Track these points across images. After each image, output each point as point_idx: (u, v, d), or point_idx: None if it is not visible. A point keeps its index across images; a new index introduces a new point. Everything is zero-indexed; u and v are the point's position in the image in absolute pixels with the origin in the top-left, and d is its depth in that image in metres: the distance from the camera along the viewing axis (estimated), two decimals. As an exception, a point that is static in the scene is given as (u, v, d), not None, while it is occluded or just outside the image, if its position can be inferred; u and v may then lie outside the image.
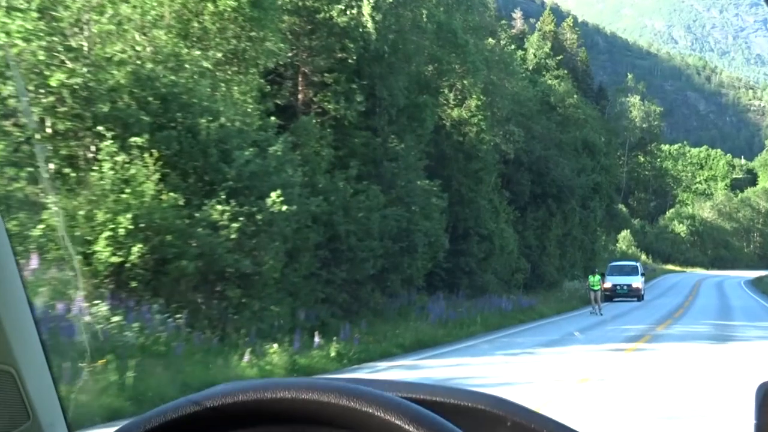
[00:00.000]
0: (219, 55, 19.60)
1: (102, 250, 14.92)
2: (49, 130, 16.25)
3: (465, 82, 31.95)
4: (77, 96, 16.25)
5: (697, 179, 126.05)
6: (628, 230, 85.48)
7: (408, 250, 25.07)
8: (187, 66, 18.37)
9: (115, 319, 12.97)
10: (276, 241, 18.00)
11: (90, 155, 16.61)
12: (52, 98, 15.93)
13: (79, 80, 16.11)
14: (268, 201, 16.96)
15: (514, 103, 38.84)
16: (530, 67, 55.19)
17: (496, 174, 36.03)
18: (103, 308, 12.99)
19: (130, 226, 15.09)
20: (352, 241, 22.18)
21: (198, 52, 18.93)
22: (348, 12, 24.09)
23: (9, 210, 13.24)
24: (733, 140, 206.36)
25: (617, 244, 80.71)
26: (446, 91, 32.54)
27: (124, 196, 15.51)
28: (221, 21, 19.98)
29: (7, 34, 15.02)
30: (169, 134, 16.73)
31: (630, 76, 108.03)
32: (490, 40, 39.15)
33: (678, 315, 31.71)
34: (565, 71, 63.36)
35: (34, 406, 1.55)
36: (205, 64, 19.05)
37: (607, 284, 41.14)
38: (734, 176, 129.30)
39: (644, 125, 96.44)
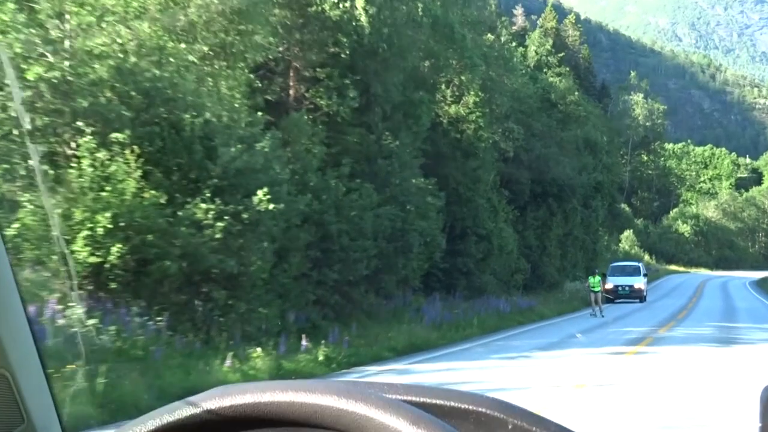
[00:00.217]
0: (205, 48, 19.17)
1: (80, 249, 14.51)
2: (28, 126, 15.85)
3: (462, 78, 31.54)
4: (56, 90, 15.85)
5: (702, 178, 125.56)
6: (631, 230, 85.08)
7: (403, 251, 24.67)
8: (171, 60, 17.95)
9: (91, 321, 12.56)
10: (263, 241, 17.59)
11: (69, 152, 16.22)
12: (29, 93, 15.52)
13: (57, 74, 15.70)
14: (255, 199, 16.56)
15: (514, 99, 38.43)
16: (531, 64, 54.78)
17: (494, 172, 35.62)
18: (78, 311, 12.56)
19: (109, 225, 14.70)
20: (344, 241, 21.77)
21: (183, 46, 18.50)
22: (341, 5, 23.67)
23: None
24: (738, 139, 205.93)
25: (620, 244, 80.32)
26: (443, 87, 32.13)
27: (104, 194, 15.11)
28: (208, 13, 19.55)
29: (-18, 25, 14.62)
30: (151, 130, 16.34)
31: (633, 73, 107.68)
32: (489, 35, 38.72)
33: (681, 317, 31.29)
34: (567, 69, 62.92)
35: (29, 408, 1.57)
36: (191, 57, 18.65)
37: (609, 285, 40.75)
38: (739, 175, 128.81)
39: (647, 123, 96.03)
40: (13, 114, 15.66)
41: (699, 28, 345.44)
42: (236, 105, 18.95)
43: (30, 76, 15.28)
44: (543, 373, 14.17)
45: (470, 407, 1.15)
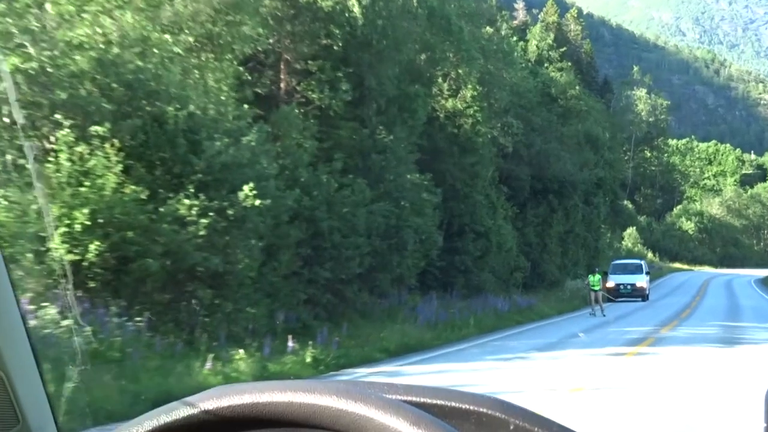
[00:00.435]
0: (191, 39, 18.77)
1: (57, 247, 14.09)
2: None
3: (460, 71, 31.10)
4: (34, 82, 15.44)
5: (706, 175, 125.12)
6: (634, 227, 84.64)
7: (397, 248, 24.27)
8: (156, 51, 17.54)
9: (65, 322, 12.13)
10: (250, 238, 17.21)
11: (48, 146, 15.82)
12: (4, 84, 15.10)
13: (35, 65, 15.29)
14: (241, 195, 16.15)
15: (513, 94, 38.00)
16: (532, 59, 54.38)
17: (493, 168, 35.19)
18: (51, 311, 12.15)
19: (88, 222, 14.31)
20: (336, 238, 21.37)
21: (168, 37, 18.08)
22: (333, -5, 23.27)
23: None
24: (743, 135, 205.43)
25: (623, 242, 79.90)
26: (440, 80, 31.71)
27: (82, 189, 14.71)
28: (194, 3, 19.15)
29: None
30: (133, 123, 15.93)
31: (636, 68, 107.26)
32: (488, 28, 38.29)
33: (684, 316, 30.88)
34: (569, 63, 62.50)
35: (24, 409, 1.58)
36: (176, 49, 18.22)
37: (610, 283, 40.34)
38: (744, 172, 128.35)
39: (651, 119, 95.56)
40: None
41: (703, 22, 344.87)
42: (223, 98, 18.56)
43: (6, 66, 14.88)
44: (539, 376, 13.76)
45: (471, 407, 1.16)
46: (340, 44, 23.50)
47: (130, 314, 14.38)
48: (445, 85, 31.85)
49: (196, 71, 19.18)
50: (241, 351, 13.48)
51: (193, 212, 15.63)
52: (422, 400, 1.16)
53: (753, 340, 21.32)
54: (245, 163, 16.72)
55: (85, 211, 14.33)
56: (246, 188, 16.15)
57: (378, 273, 24.04)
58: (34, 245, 14.04)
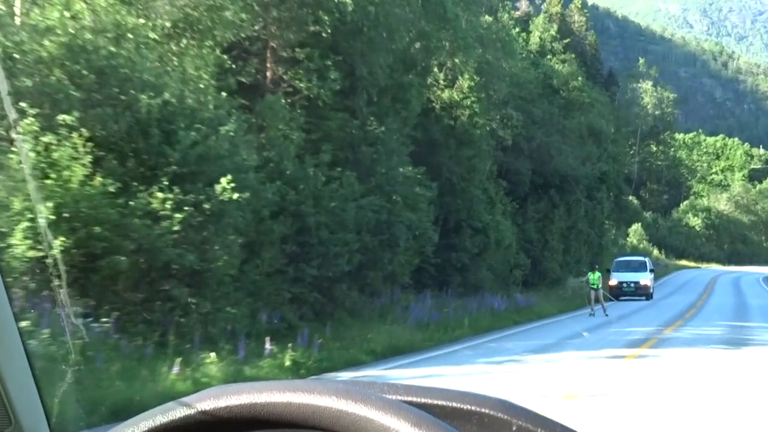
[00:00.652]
0: (168, 24, 18.16)
1: (19, 243, 13.49)
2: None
3: (456, 60, 30.46)
4: (-3, 68, 14.83)
5: (713, 170, 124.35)
6: (640, 224, 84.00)
7: (389, 244, 23.67)
8: (130, 36, 16.93)
9: (22, 324, 11.52)
10: (229, 234, 16.61)
11: (15, 135, 15.20)
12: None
13: (-1, 51, 14.69)
14: (218, 188, 15.54)
15: (513, 85, 37.36)
16: (533, 50, 53.74)
17: (491, 161, 34.58)
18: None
19: (52, 216, 13.67)
20: (323, 234, 20.76)
21: (143, 21, 17.47)
22: (321, -21, 22.63)
23: None
24: (751, 129, 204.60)
25: (628, 239, 79.31)
26: (436, 70, 31.08)
27: (48, 181, 14.09)
28: (172, -14, 18.56)
29: None
30: (103, 112, 15.31)
31: (642, 60, 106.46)
32: (487, 17, 37.64)
33: (689, 315, 30.28)
34: (573, 55, 61.89)
35: (16, 410, 1.59)
36: (152, 34, 17.62)
37: (613, 281, 39.76)
38: (752, 167, 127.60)
39: (657, 113, 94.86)
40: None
41: (711, 14, 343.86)
42: (202, 86, 17.94)
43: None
44: (531, 381, 13.14)
45: (473, 408, 1.15)
46: (329, 31, 22.86)
47: (97, 315, 13.79)
48: (441, 75, 31.22)
49: (174, 58, 18.61)
50: (213, 354, 12.83)
51: (167, 206, 15.06)
52: (423, 400, 1.16)
53: (761, 341, 20.71)
54: (223, 155, 16.11)
55: (50, 204, 13.71)
56: (223, 181, 15.55)
57: (369, 270, 23.44)
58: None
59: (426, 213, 26.95)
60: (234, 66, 21.56)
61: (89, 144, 14.79)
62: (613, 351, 17.69)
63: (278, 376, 13.85)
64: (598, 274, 31.21)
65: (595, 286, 30.62)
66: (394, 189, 24.33)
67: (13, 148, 14.55)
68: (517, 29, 51.19)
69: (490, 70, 33.86)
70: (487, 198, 33.93)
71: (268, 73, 23.18)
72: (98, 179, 14.44)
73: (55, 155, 14.26)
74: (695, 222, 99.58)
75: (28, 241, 13.73)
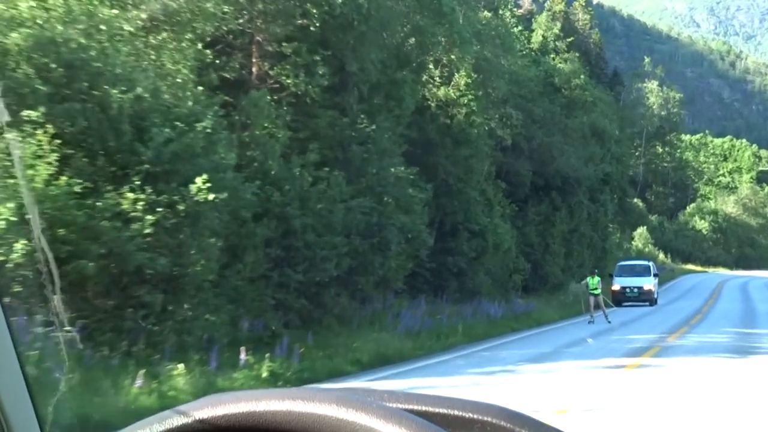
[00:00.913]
0: (143, 16, 17.57)
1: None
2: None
3: (452, 56, 29.86)
4: (-43, 61, 14.31)
5: (721, 172, 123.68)
6: (645, 227, 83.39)
7: (380, 248, 23.06)
8: (102, 27, 16.35)
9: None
10: (207, 237, 16.00)
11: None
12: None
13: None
14: (192, 188, 14.93)
15: (512, 83, 36.78)
16: (535, 48, 53.18)
17: (489, 162, 33.97)
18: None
19: (13, 218, 13.08)
20: (309, 237, 20.18)
21: (117, 12, 16.88)
22: (309, -29, 22.04)
23: None
24: (760, 130, 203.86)
25: (632, 242, 78.74)
26: (431, 67, 30.49)
27: (11, 181, 13.49)
28: (148, -24, 17.99)
29: None
30: (71, 107, 14.72)
31: (647, 59, 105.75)
32: (486, 13, 37.06)
33: (695, 322, 29.67)
34: (576, 54, 61.33)
35: (9, 419, 1.58)
36: (127, 26, 17.03)
37: (616, 286, 39.14)
38: (761, 168, 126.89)
39: (663, 113, 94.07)
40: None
41: (718, 13, 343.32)
42: (179, 80, 17.35)
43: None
44: (523, 393, 12.52)
45: (475, 416, 1.16)
46: (318, 25, 22.29)
47: (61, 323, 13.18)
48: (437, 72, 30.63)
49: (152, 52, 18.04)
50: (181, 365, 12.20)
51: (139, 207, 14.47)
52: (424, 408, 1.15)
53: (769, 350, 20.10)
54: (199, 153, 15.50)
55: (11, 205, 13.12)
56: (199, 180, 14.93)
57: (359, 276, 22.86)
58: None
59: (420, 215, 26.36)
60: (217, 61, 20.97)
61: (55, 141, 14.23)
62: (612, 360, 17.08)
63: (254, 389, 13.26)
64: (597, 278, 30.39)
65: (594, 292, 29.79)
66: (386, 190, 23.74)
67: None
68: (520, 27, 50.65)
69: (488, 67, 33.29)
70: (485, 200, 33.35)
71: (254, 69, 22.60)
72: (64, 178, 13.85)
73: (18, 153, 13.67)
74: (702, 225, 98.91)
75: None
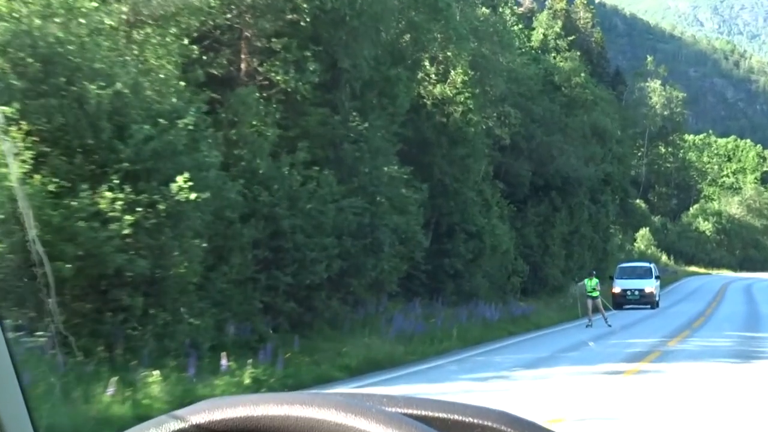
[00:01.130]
0: (125, 9, 17.18)
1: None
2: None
3: (448, 53, 29.47)
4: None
5: (724, 172, 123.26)
6: (647, 228, 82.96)
7: (372, 249, 22.65)
8: (82, 21, 15.97)
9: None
10: (190, 238, 15.61)
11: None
12: None
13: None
14: (173, 187, 14.53)
15: (511, 80, 36.39)
16: (535, 46, 52.80)
17: (487, 161, 33.57)
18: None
19: (-9, 219, 12.71)
20: (299, 239, 19.78)
21: (97, 5, 16.48)
22: (299, -36, 21.65)
23: None
24: (764, 130, 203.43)
25: (635, 244, 78.34)
26: (427, 65, 30.10)
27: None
28: (130, -32, 17.61)
29: None
30: (47, 103, 14.34)
31: (650, 58, 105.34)
32: (484, 10, 36.68)
33: (697, 325, 29.26)
34: (578, 53, 61.01)
35: (4, 426, 1.60)
36: (108, 20, 16.65)
37: (616, 289, 38.73)
38: (765, 169, 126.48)
39: (666, 113, 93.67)
40: None
41: (722, 12, 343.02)
42: (162, 76, 16.96)
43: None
44: (516, 401, 12.10)
45: (475, 421, 1.16)
46: (308, 20, 21.91)
47: (35, 328, 12.83)
48: (433, 69, 30.22)
49: (134, 47, 17.67)
50: (156, 372, 11.79)
51: (117, 207, 14.08)
52: (424, 413, 1.16)
53: (773, 354, 19.70)
54: (181, 150, 15.10)
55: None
56: (180, 179, 14.53)
57: (351, 278, 22.47)
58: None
59: (415, 216, 25.99)
60: (204, 57, 20.61)
61: (31, 138, 13.86)
62: (610, 366, 16.67)
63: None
64: (595, 280, 29.81)
65: (592, 294, 29.26)
66: (379, 190, 23.36)
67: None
68: (520, 25, 50.31)
69: (485, 65, 32.90)
70: (482, 200, 32.97)
71: (242, 65, 22.22)
72: (38, 177, 13.47)
73: (-10, 151, 13.28)
74: (705, 227, 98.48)
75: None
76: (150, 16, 18.21)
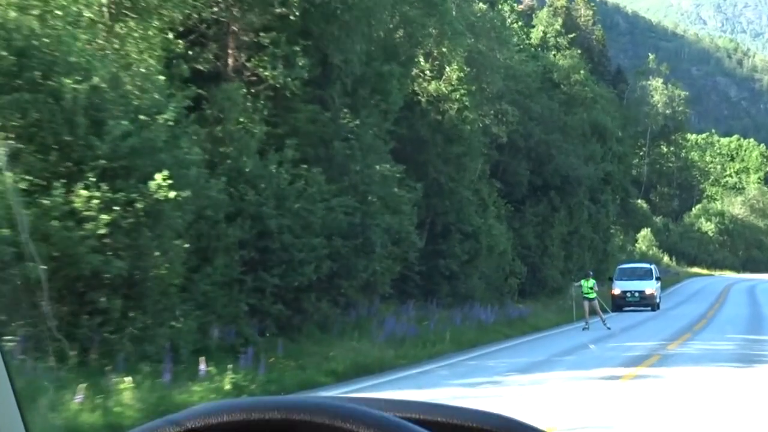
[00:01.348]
0: (104, 1, 16.79)
1: None
2: None
3: (444, 49, 29.07)
4: None
5: (727, 172, 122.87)
6: (649, 229, 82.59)
7: (363, 250, 22.25)
8: (58, 13, 15.59)
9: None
10: (170, 238, 15.21)
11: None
12: None
13: None
14: (152, 185, 14.13)
15: (508, 77, 36.00)
16: (534, 43, 52.44)
17: (483, 160, 33.18)
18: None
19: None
20: (286, 239, 19.38)
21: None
22: (287, -44, 21.25)
23: None
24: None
25: (636, 245, 77.97)
26: (421, 61, 29.69)
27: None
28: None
29: None
30: (21, 97, 13.94)
31: (652, 56, 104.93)
32: (481, 5, 36.28)
33: (699, 328, 28.88)
34: (578, 51, 60.66)
35: None
36: (86, 12, 16.27)
37: (616, 290, 38.35)
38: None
39: (668, 112, 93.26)
40: None
41: (725, 10, 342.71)
42: (143, 70, 16.56)
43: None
44: (507, 408, 11.66)
45: (472, 425, 1.18)
46: (298, 13, 21.50)
47: (4, 332, 12.41)
48: (427, 66, 29.82)
49: (115, 40, 17.29)
50: (128, 379, 11.38)
51: (93, 205, 13.68)
52: (422, 417, 1.16)
53: (777, 358, 19.30)
54: (160, 147, 14.70)
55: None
56: (158, 177, 14.13)
57: (341, 279, 22.05)
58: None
59: (409, 216, 25.60)
60: (190, 52, 20.23)
61: (3, 134, 13.48)
62: (607, 370, 16.26)
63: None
64: (592, 281, 29.25)
65: (589, 296, 28.74)
66: (370, 189, 22.96)
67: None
68: (520, 23, 49.93)
69: (482, 61, 32.52)
70: (478, 200, 32.58)
71: (229, 60, 21.82)
72: (9, 174, 13.07)
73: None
74: (708, 227, 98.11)
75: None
76: (132, 9, 17.83)
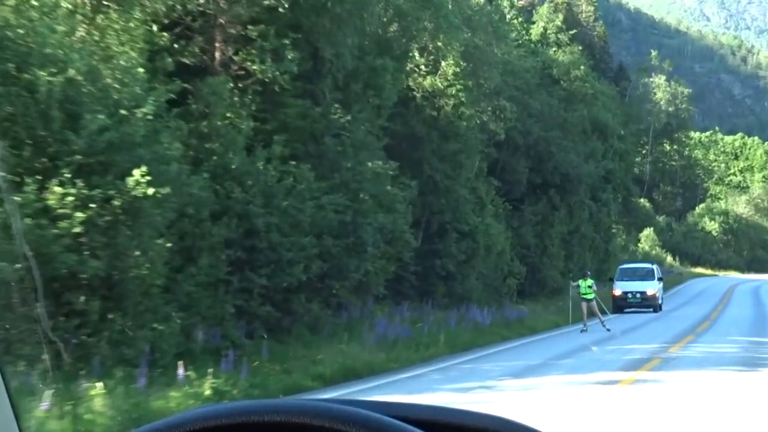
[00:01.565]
0: (82, -10, 16.40)
1: None
2: None
3: (439, 43, 28.67)
4: None
5: (731, 170, 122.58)
6: (652, 228, 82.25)
7: (355, 250, 21.85)
8: (35, 3, 15.21)
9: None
10: (153, 237, 14.82)
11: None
12: None
13: None
14: (130, 181, 13.73)
15: (506, 73, 35.59)
16: (534, 39, 52.04)
17: (480, 157, 32.77)
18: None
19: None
20: (274, 238, 18.98)
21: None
22: (276, -54, 20.86)
23: None
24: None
25: (639, 244, 77.63)
26: (416, 55, 29.30)
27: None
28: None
29: None
30: (-7, 90, 13.55)
31: (654, 53, 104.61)
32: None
33: (701, 330, 28.49)
34: (579, 47, 60.28)
35: None
36: (64, 3, 15.89)
37: (617, 291, 37.98)
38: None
39: (670, 109, 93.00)
40: None
41: (729, 6, 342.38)
42: (124, 63, 16.16)
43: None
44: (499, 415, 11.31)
45: (472, 426, 1.19)
46: (287, 5, 21.10)
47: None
48: (422, 60, 29.42)
49: (95, 32, 16.89)
50: (99, 384, 10.97)
51: (67, 202, 13.29)
52: (422, 418, 1.16)
53: (782, 361, 18.90)
54: (139, 142, 14.30)
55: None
56: (137, 173, 13.73)
57: (332, 280, 21.65)
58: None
59: (403, 214, 25.21)
60: (176, 45, 19.84)
61: (-27, 128, 13.10)
62: (605, 375, 15.87)
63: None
64: (590, 281, 28.72)
65: (587, 296, 28.24)
66: (362, 186, 22.56)
67: None
68: (520, 19, 49.55)
69: (479, 56, 32.12)
70: (475, 198, 32.18)
71: (216, 54, 21.40)
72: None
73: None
74: (712, 226, 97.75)
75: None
76: (114, 0, 17.44)
